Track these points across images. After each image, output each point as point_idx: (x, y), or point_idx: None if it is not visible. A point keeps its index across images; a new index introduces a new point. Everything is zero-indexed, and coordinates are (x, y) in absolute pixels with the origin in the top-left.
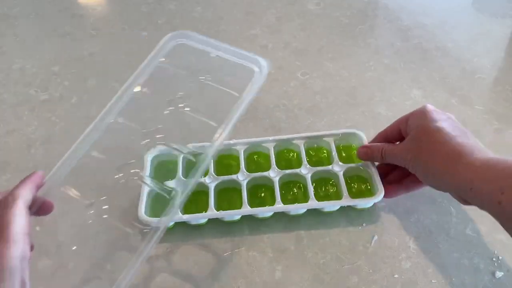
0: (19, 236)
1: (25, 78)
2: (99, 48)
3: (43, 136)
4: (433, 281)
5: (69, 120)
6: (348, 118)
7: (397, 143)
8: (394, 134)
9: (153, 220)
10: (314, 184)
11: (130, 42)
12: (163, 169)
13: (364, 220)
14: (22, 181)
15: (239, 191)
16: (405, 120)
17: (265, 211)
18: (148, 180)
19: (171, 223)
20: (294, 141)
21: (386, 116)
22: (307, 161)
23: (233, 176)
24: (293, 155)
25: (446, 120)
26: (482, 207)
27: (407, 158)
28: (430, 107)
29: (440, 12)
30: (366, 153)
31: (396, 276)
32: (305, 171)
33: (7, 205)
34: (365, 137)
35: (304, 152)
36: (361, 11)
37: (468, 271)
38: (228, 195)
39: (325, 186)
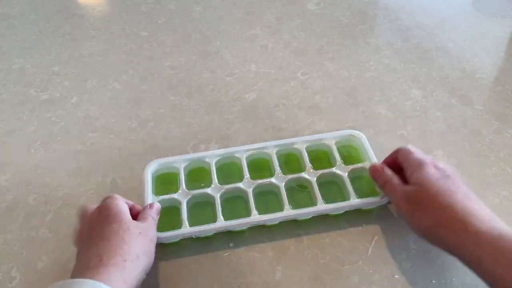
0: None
1: (25, 78)
2: (99, 48)
3: (43, 136)
4: (433, 281)
5: (69, 120)
6: (348, 118)
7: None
8: (393, 165)
9: (162, 235)
10: (318, 187)
11: (130, 42)
12: (163, 182)
13: (364, 220)
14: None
15: (244, 199)
16: (401, 155)
17: (275, 219)
18: None
19: (176, 239)
20: (295, 145)
21: (386, 116)
22: (310, 164)
23: (238, 185)
24: (295, 159)
25: (448, 178)
26: (490, 285)
27: (401, 208)
28: (430, 160)
29: (440, 12)
30: (374, 172)
31: (396, 276)
32: (310, 175)
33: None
34: (366, 138)
35: (306, 156)
36: (361, 11)
37: (469, 271)
38: (233, 204)
39: (330, 189)
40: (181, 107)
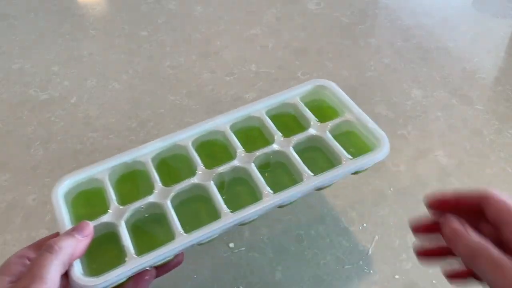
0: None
1: (25, 78)
2: (99, 48)
3: (42, 136)
4: (433, 281)
5: (69, 120)
6: None
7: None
8: (468, 208)
9: (97, 280)
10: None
11: (130, 42)
12: (86, 204)
13: (365, 220)
14: (70, 234)
15: (205, 198)
16: (496, 207)
17: (255, 213)
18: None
19: (123, 279)
20: (252, 114)
21: (386, 116)
22: (279, 132)
23: (192, 180)
24: (256, 132)
25: None
26: None
27: None
28: None
29: (440, 12)
30: (452, 234)
31: (397, 277)
32: (282, 145)
33: (51, 251)
34: (339, 88)
35: (271, 123)
36: (362, 10)
37: None
38: (192, 208)
39: (311, 158)
40: (181, 107)
